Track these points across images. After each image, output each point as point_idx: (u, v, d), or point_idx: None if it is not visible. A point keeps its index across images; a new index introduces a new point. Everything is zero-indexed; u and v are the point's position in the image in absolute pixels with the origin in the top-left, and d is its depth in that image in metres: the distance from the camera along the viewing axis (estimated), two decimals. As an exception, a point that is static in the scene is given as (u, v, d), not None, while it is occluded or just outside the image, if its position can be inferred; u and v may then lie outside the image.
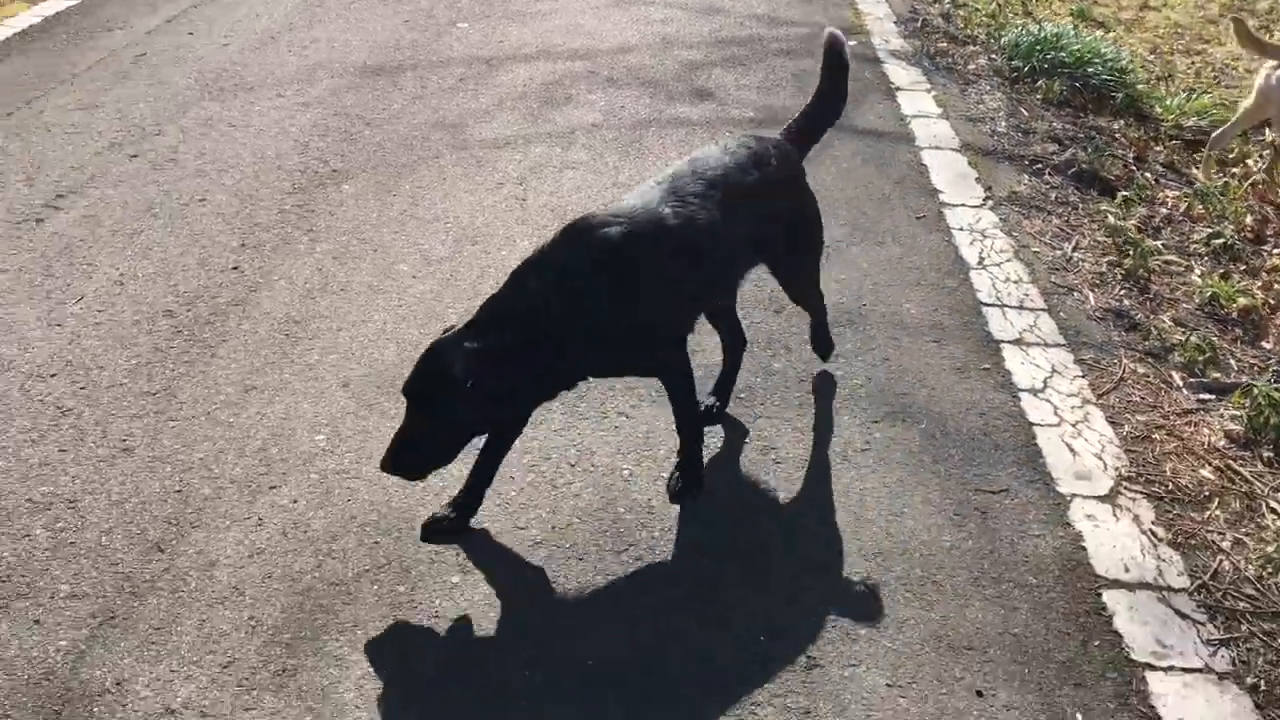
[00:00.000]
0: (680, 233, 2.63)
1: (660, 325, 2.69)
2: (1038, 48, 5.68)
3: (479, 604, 2.49)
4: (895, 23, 6.45)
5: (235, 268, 3.74)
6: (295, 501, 2.74)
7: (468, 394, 2.37)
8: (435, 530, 2.63)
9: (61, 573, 2.52)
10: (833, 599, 2.52)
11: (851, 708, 2.27)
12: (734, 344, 3.19)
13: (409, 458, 2.46)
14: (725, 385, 3.17)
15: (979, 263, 3.92)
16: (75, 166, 4.44)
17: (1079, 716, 2.27)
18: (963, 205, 4.33)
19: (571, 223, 2.61)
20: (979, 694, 2.31)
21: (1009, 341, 3.48)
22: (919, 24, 6.36)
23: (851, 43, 5.93)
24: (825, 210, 4.24)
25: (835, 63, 3.14)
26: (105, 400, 3.09)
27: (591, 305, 2.50)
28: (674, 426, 2.81)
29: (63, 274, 3.69)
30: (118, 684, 2.26)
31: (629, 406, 3.13)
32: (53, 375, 3.19)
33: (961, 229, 4.14)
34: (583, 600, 2.51)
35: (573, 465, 2.91)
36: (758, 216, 2.85)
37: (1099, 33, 6.24)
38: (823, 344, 3.34)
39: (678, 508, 2.77)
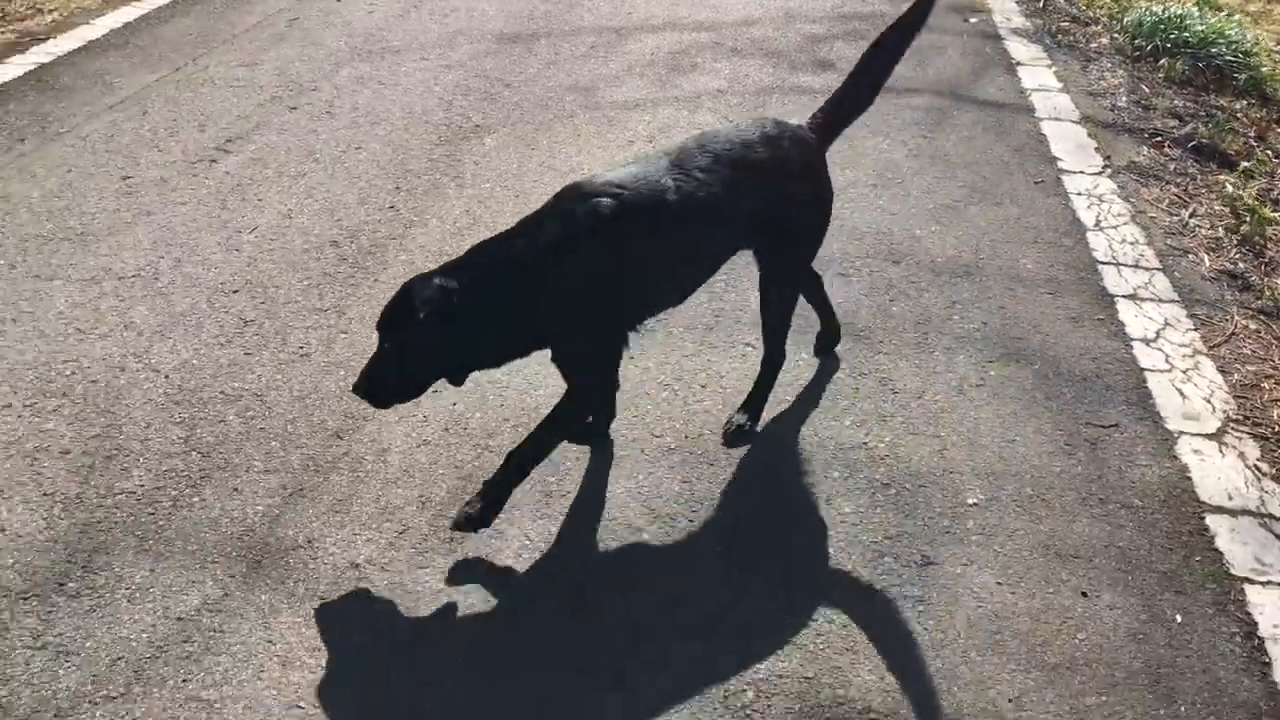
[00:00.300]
0: (677, 209, 2.58)
1: (615, 315, 2.63)
2: (1161, 27, 5.76)
3: (620, 495, 2.77)
4: (1016, 1, 6.57)
5: (392, 207, 4.09)
6: (455, 404, 3.06)
7: (420, 330, 2.39)
8: (582, 433, 2.92)
9: (255, 452, 2.88)
10: (947, 510, 2.75)
11: (963, 599, 2.49)
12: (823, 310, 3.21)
13: (374, 385, 2.49)
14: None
15: (1095, 225, 4.07)
16: (241, 116, 4.86)
17: (1178, 618, 2.46)
18: (1081, 173, 4.48)
19: (570, 184, 2.63)
20: (1084, 594, 2.51)
21: (1123, 296, 3.64)
22: (1040, 3, 6.47)
23: (974, 19, 6.20)
24: (945, 173, 4.48)
25: (882, 55, 3.00)
26: (283, 314, 3.46)
27: (565, 272, 2.48)
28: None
29: (237, 207, 4.09)
30: (309, 541, 2.60)
31: (754, 338, 3.38)
32: (235, 292, 3.58)
33: (1079, 194, 4.29)
34: (714, 498, 2.77)
35: (703, 386, 3.18)
36: (760, 200, 2.73)
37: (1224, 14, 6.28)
38: (774, 346, 3.02)
39: (796, 426, 3.01)
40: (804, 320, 3.22)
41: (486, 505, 2.57)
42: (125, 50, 5.57)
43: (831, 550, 2.62)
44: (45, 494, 2.71)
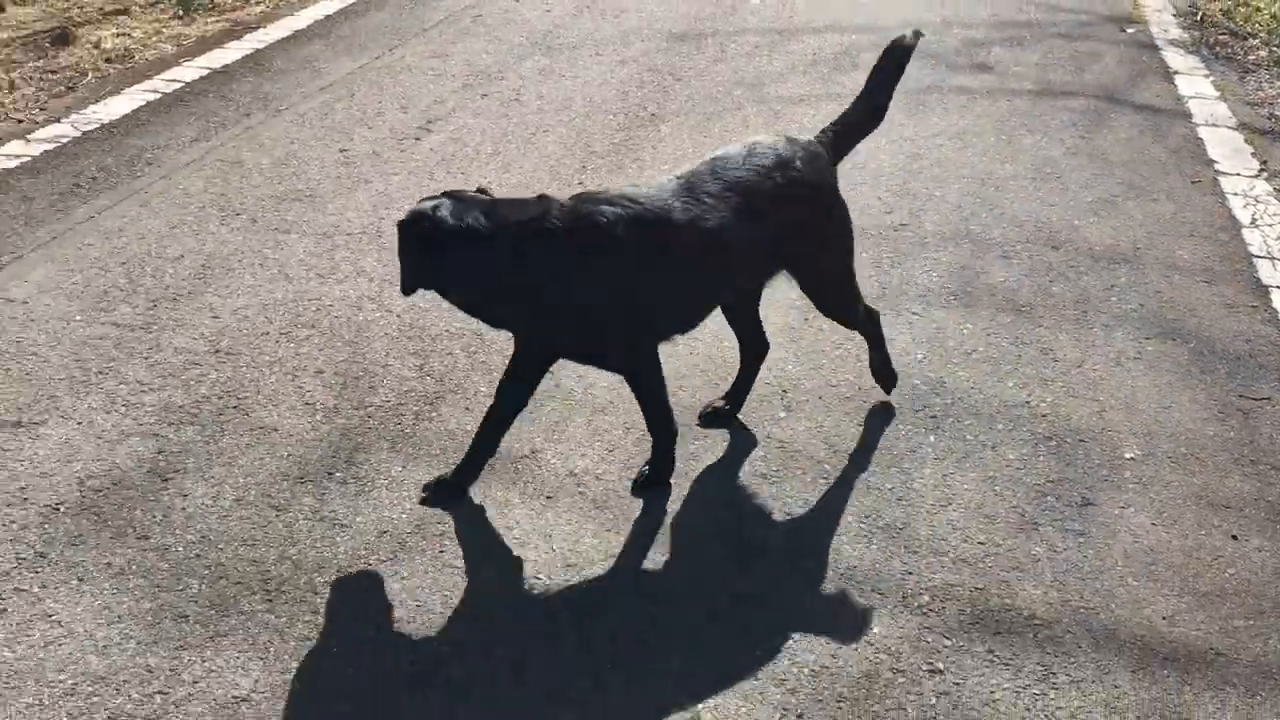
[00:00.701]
0: (682, 231, 2.66)
1: (623, 324, 2.72)
2: (1324, 40, 5.89)
3: (800, 433, 3.13)
4: (1173, 14, 6.75)
5: (580, 183, 4.54)
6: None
7: (402, 238, 2.60)
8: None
9: (480, 380, 3.33)
10: (1105, 462, 3.03)
11: (1120, 535, 2.78)
12: (753, 351, 3.17)
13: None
14: (739, 392, 3.19)
15: (1251, 222, 4.28)
16: (438, 100, 5.38)
17: (1326, 562, 2.70)
18: (1237, 175, 4.68)
19: (583, 193, 2.75)
20: (1234, 537, 2.77)
21: (1277, 287, 3.85)
22: (1198, 17, 6.63)
23: (1130, 30, 6.41)
24: (1102, 170, 4.73)
25: (892, 65, 3.08)
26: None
27: (549, 278, 2.60)
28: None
29: (443, 178, 4.58)
30: (532, 452, 3.03)
31: (921, 308, 3.71)
32: (447, 249, 4.05)
33: (1235, 194, 4.51)
34: (892, 438, 3.11)
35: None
36: (776, 223, 2.79)
37: (1391, 30, 6.35)
38: (884, 372, 3.19)
39: (965, 385, 3.33)
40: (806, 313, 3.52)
41: (669, 464, 2.87)
42: (328, 40, 6.18)
43: (997, 487, 2.93)
44: (307, 404, 3.20)
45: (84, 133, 4.94)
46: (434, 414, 3.17)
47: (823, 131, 3.06)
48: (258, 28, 6.34)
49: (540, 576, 2.63)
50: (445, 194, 2.66)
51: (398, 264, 2.66)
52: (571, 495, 2.88)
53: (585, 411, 3.20)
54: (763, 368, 3.28)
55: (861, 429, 3.15)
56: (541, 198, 2.69)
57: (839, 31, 6.33)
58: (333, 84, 5.56)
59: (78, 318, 3.58)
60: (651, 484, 2.91)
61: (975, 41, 6.19)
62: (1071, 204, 4.43)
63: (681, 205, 2.68)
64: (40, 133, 4.94)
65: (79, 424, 3.09)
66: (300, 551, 2.68)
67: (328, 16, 6.53)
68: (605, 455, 3.03)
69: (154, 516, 2.77)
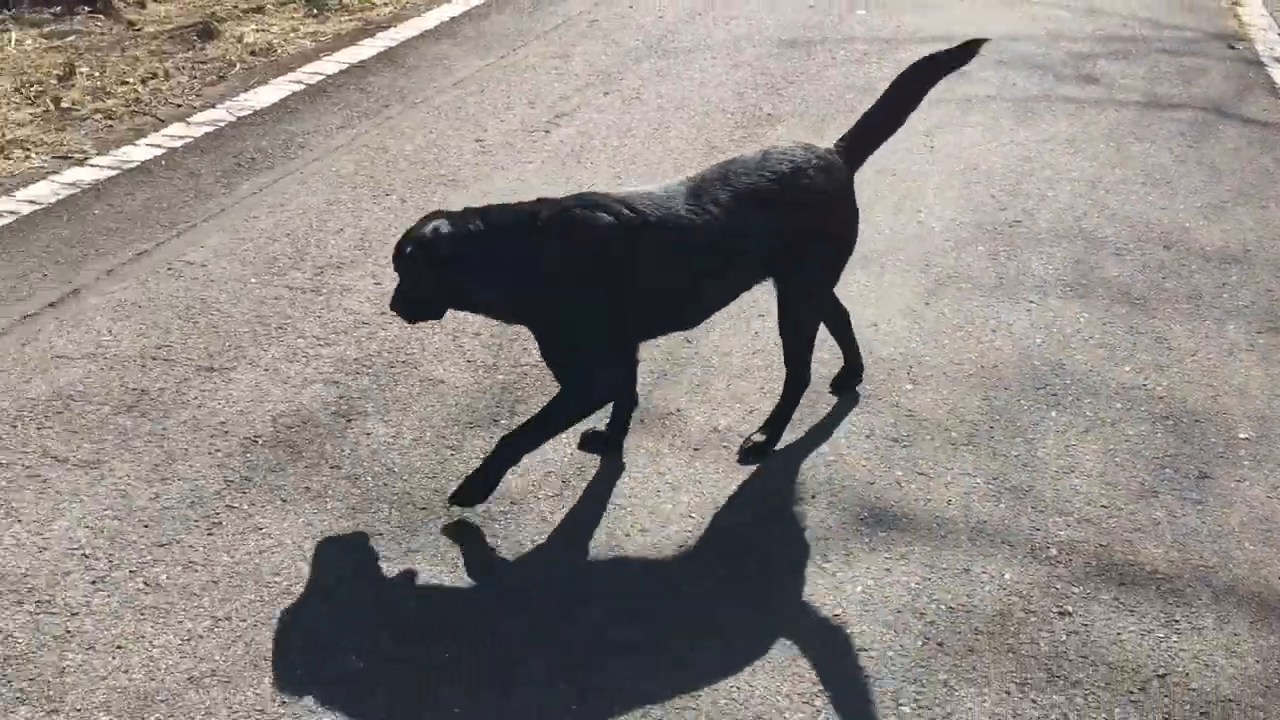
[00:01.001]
0: (683, 237, 2.74)
1: (594, 335, 2.80)
2: None
3: (927, 404, 3.36)
4: (1278, 34, 6.87)
5: (704, 174, 4.82)
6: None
7: (415, 256, 2.71)
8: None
9: (623, 346, 3.62)
10: (1220, 440, 3.22)
11: (1237, 505, 2.97)
12: (835, 320, 3.28)
13: (398, 305, 2.86)
14: (853, 356, 3.34)
15: (1362, 229, 4.43)
16: (563, 97, 5.70)
17: None
18: (1347, 185, 4.83)
19: (583, 193, 2.86)
20: (1350, 510, 2.95)
21: (1388, 289, 4.01)
22: (1306, 35, 6.75)
23: (1238, 46, 6.54)
24: (1210, 177, 4.91)
25: (919, 81, 3.13)
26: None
27: (544, 276, 2.72)
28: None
29: (574, 168, 4.89)
30: (677, 410, 3.30)
31: (1038, 296, 3.93)
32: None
33: (1344, 203, 4.65)
34: (1013, 411, 3.32)
35: (994, 331, 3.74)
36: (786, 230, 2.86)
37: None
38: (796, 369, 3.11)
39: (1098, 366, 3.53)
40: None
41: (483, 483, 2.82)
42: (455, 39, 6.55)
43: (1118, 458, 3.14)
44: (469, 361, 3.51)
45: (239, 118, 5.33)
46: (585, 374, 3.47)
47: (841, 139, 3.12)
48: (388, 27, 6.74)
49: (693, 515, 2.89)
50: (431, 215, 2.82)
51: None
52: (716, 449, 3.14)
53: (724, 376, 3.46)
54: (889, 346, 3.52)
55: (985, 403, 3.37)
56: (540, 200, 2.84)
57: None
58: (463, 80, 5.91)
59: (253, 280, 3.93)
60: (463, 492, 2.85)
61: (1081, 55, 6.38)
62: (1181, 208, 4.61)
63: (686, 211, 2.76)
64: (198, 116, 5.35)
65: (265, 371, 3.42)
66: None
67: (453, 18, 6.91)
68: (745, 415, 3.28)
69: (343, 450, 3.08)
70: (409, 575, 2.68)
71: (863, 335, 3.48)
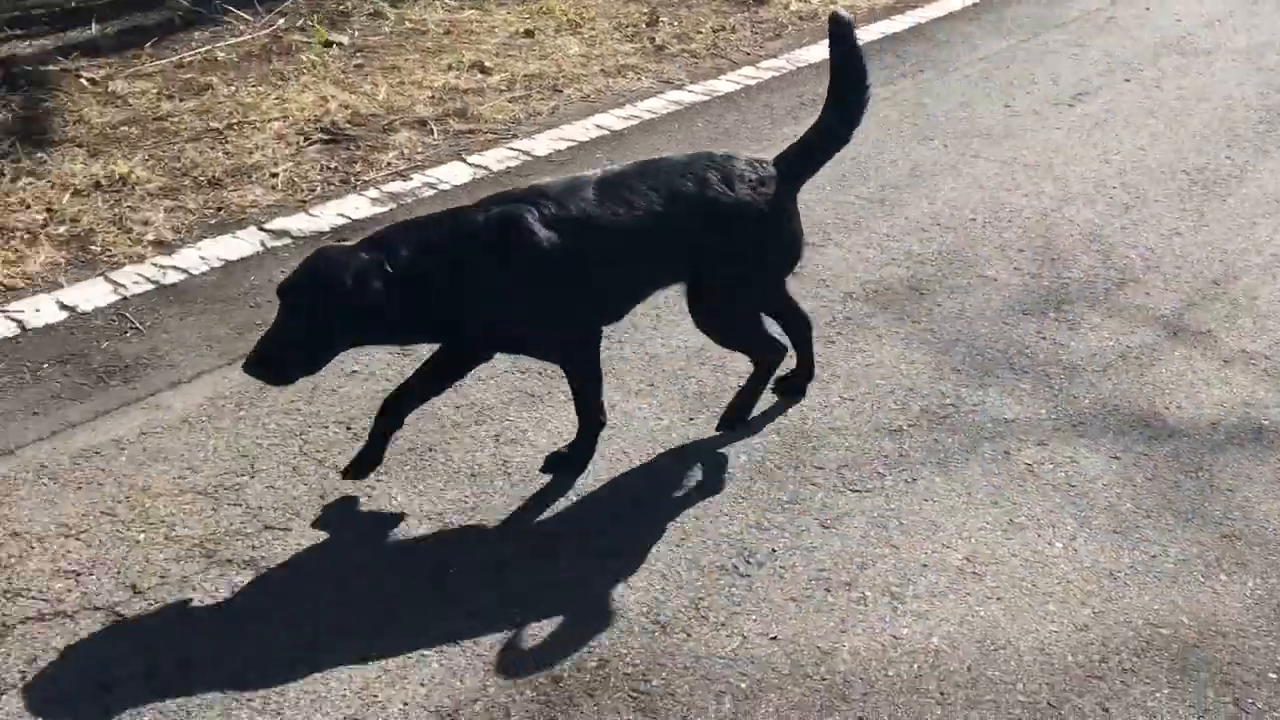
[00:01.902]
0: (592, 230, 2.75)
1: (552, 318, 2.83)
2: None
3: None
4: None
5: (1228, 158, 5.26)
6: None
7: (347, 300, 2.55)
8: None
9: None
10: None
11: None
12: (794, 326, 3.35)
13: (277, 358, 2.61)
14: (806, 361, 3.38)
15: None
16: (1083, 79, 6.30)
17: None
18: None
19: (489, 197, 2.87)
20: None
21: None
22: None
23: None
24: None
25: (847, 67, 3.06)
26: (1150, 207, 4.78)
27: (470, 279, 2.69)
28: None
29: (1099, 139, 5.49)
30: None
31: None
32: (1114, 187, 4.96)
33: None
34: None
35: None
36: (695, 235, 2.86)
37: None
38: (739, 404, 3.24)
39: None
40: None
41: (582, 454, 3.01)
42: (978, 22, 7.30)
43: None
44: (1016, 269, 4.27)
45: (797, 68, 6.39)
46: (1120, 294, 4.12)
47: (781, 154, 3.09)
48: (916, 7, 7.60)
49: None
50: (321, 249, 2.77)
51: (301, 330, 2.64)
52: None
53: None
54: None
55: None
56: (450, 210, 2.90)
57: None
58: (988, 56, 6.65)
59: (827, 188, 4.90)
60: (566, 466, 3.01)
61: None
62: None
63: (595, 200, 2.78)
64: (764, 64, 6.46)
65: (849, 251, 4.37)
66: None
67: (975, 4, 7.64)
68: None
69: (921, 310, 3.96)
70: (985, 401, 3.48)
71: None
